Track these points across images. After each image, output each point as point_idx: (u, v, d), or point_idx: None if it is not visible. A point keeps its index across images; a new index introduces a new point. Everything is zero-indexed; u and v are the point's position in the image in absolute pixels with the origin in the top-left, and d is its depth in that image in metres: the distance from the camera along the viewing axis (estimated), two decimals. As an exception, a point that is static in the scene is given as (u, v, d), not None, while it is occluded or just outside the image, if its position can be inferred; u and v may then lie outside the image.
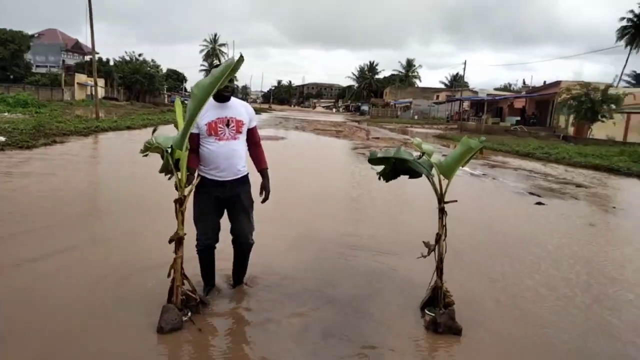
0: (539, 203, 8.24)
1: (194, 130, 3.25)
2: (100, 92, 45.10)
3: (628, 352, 3.18)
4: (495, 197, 9.22)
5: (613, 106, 23.59)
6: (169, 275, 3.12)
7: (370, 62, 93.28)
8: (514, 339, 3.25)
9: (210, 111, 3.27)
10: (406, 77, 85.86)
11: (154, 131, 3.40)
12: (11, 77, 47.74)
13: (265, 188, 3.53)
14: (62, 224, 5.41)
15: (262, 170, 3.58)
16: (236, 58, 2.93)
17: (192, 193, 3.20)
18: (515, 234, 6.06)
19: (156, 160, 3.44)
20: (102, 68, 52.63)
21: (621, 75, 52.61)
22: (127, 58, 61.79)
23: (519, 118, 35.63)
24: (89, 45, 25.64)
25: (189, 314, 3.18)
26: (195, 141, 3.31)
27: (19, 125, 15.59)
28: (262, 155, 3.59)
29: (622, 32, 51.72)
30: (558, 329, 3.44)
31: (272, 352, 2.91)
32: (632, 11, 51.02)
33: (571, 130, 27.91)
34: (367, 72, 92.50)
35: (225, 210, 3.51)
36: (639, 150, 16.67)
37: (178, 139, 3.17)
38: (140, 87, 58.67)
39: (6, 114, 23.08)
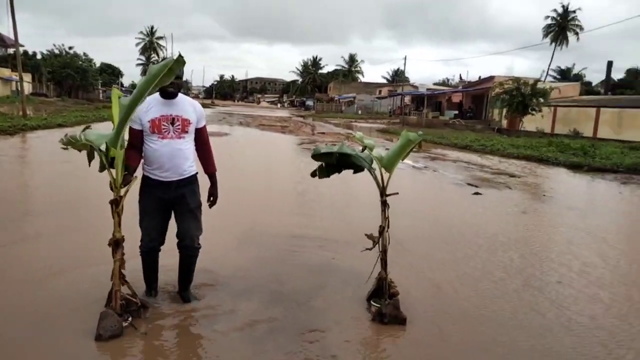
0: (476, 193, 8.64)
1: (136, 126, 3.10)
2: (27, 88, 42.13)
3: (551, 326, 3.42)
4: (435, 189, 9.57)
5: (541, 100, 25.18)
6: (111, 278, 2.98)
7: (313, 56, 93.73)
8: (455, 322, 3.39)
9: (155, 107, 3.10)
10: (349, 72, 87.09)
11: (84, 129, 3.22)
12: None
13: (213, 194, 3.37)
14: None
15: (211, 174, 3.40)
16: (176, 56, 2.82)
17: (127, 193, 3.04)
18: (454, 223, 6.32)
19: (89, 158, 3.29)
20: (28, 62, 49.17)
21: (547, 70, 56.37)
22: (56, 51, 58.13)
23: (457, 112, 37.26)
24: (11, 36, 23.82)
25: (130, 319, 3.05)
26: (137, 138, 3.13)
27: None
28: (210, 157, 3.40)
29: (547, 30, 55.33)
30: (493, 310, 3.63)
31: (220, 352, 2.85)
32: (555, 10, 54.67)
33: (504, 123, 29.53)
34: (310, 67, 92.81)
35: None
36: (565, 141, 17.93)
37: (112, 137, 3.02)
38: (72, 82, 55.35)
39: None
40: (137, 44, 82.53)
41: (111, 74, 73.31)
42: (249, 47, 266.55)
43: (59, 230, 5.16)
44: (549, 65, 57.11)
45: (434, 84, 65.20)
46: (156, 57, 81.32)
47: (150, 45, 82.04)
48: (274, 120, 34.41)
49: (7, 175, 8.75)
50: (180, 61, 2.80)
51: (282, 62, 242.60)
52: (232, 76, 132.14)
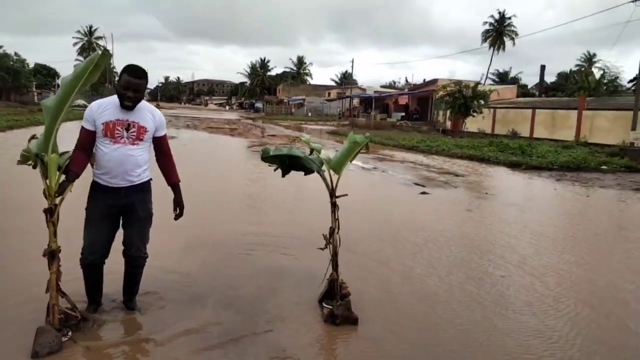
0: (423, 192, 8.91)
1: (88, 126, 2.93)
2: (-49, 90, 38.99)
3: (488, 316, 3.60)
4: (384, 189, 9.77)
5: (482, 102, 26.38)
6: (46, 291, 2.80)
7: (261, 58, 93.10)
8: (405, 320, 3.47)
9: (111, 110, 2.94)
10: (298, 74, 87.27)
11: (31, 139, 3.02)
12: None
13: (179, 204, 3.20)
14: None
15: (173, 184, 3.22)
16: (101, 52, 2.71)
17: (63, 201, 2.87)
18: (403, 222, 6.48)
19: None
20: (-49, 61, 45.61)
21: (487, 73, 59.10)
22: (-17, 51, 54.15)
23: (403, 114, 38.31)
24: None
25: (70, 333, 2.88)
26: (88, 139, 2.95)
27: None
28: (172, 167, 3.23)
29: (486, 35, 58.03)
30: (442, 305, 3.75)
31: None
32: (492, 16, 57.46)
33: (449, 124, 30.71)
34: (259, 69, 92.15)
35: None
36: (504, 141, 18.87)
37: (41, 141, 2.86)
38: (3, 84, 51.84)
39: None
40: (75, 44, 78.47)
41: (47, 74, 69.31)
42: (194, 48, 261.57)
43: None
44: (488, 69, 59.96)
45: (381, 86, 66.68)
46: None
47: (89, 46, 78.17)
48: (223, 123, 33.87)
49: None
50: (106, 55, 2.70)
51: (229, 64, 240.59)
52: (178, 78, 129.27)
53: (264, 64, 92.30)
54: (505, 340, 3.24)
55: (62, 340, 2.78)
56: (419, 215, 7.09)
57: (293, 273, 4.30)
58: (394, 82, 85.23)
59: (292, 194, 8.04)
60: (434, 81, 34.97)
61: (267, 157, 3.76)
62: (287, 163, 3.75)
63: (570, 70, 57.08)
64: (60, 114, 2.73)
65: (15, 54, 55.77)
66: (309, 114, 58.57)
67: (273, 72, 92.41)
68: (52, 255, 2.82)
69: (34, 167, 3.01)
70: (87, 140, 2.97)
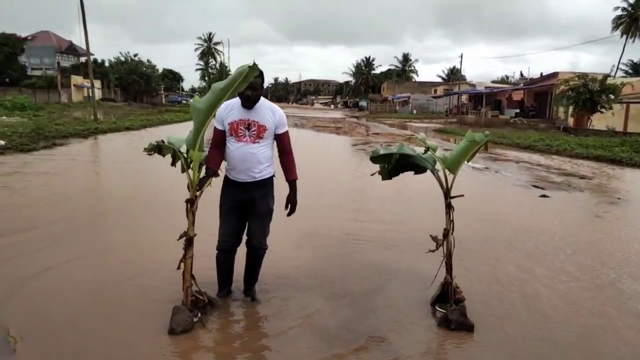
0: (543, 195, 8.23)
1: (219, 126, 3.24)
2: (97, 94, 44.92)
3: (618, 331, 3.20)
4: (498, 190, 9.20)
5: (612, 96, 23.56)
6: (178, 267, 3.10)
7: (366, 57, 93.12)
8: (524, 329, 3.24)
9: (235, 111, 3.20)
10: (403, 71, 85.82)
11: (159, 143, 3.40)
12: (7, 80, 47.57)
13: (291, 201, 3.33)
14: (74, 222, 5.38)
15: (290, 181, 3.35)
16: (249, 66, 2.92)
17: (203, 194, 3.15)
18: (520, 227, 6.05)
19: (160, 158, 3.47)
20: (97, 69, 52.37)
21: (618, 65, 52.67)
22: (123, 59, 61.53)
23: (518, 110, 35.65)
24: (83, 46, 25.49)
25: (199, 315, 3.16)
26: (219, 138, 3.25)
27: (18, 129, 15.54)
28: (291, 165, 3.36)
29: (617, 22, 51.72)
30: (564, 315, 3.44)
31: (283, 349, 2.89)
32: (626, 0, 50.96)
33: (571, 121, 27.91)
34: (363, 68, 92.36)
35: None
36: (640, 140, 16.66)
37: (191, 139, 3.16)
38: (137, 87, 58.48)
39: (4, 117, 23.00)
40: (196, 49, 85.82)
41: (172, 79, 76.80)
42: (302, 49, 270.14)
43: (132, 228, 5.45)
44: (620, 60, 53.44)
45: (492, 81, 62.89)
46: (214, 62, 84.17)
47: (208, 51, 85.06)
48: (328, 122, 34.56)
49: (85, 175, 9.36)
50: (254, 68, 2.89)
51: (335, 64, 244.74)
52: (286, 79, 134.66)
53: (368, 63, 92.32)
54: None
55: (193, 320, 3.06)
56: (537, 219, 6.57)
57: (401, 272, 4.26)
58: (507, 77, 79.87)
59: (400, 194, 7.94)
60: (554, 75, 32.03)
61: (376, 157, 3.75)
62: (398, 162, 3.69)
63: None
64: (209, 117, 3.02)
65: (148, 60, 62.67)
66: (414, 111, 57.32)
67: (377, 71, 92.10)
68: (189, 241, 3.11)
69: (152, 154, 3.45)
70: (219, 139, 3.26)
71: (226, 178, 3.34)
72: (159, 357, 2.75)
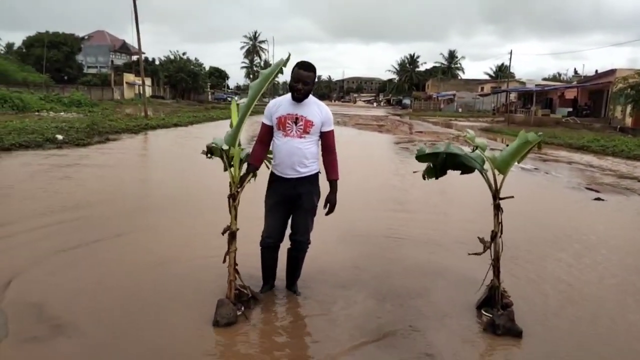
0: (597, 199, 7.83)
1: (267, 121, 3.27)
2: (148, 91, 46.67)
3: None
4: (549, 192, 8.83)
5: (676, 95, 22.10)
6: (223, 261, 3.17)
7: (410, 54, 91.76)
8: (575, 342, 3.09)
9: (284, 106, 3.24)
10: (449, 69, 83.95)
11: (208, 148, 3.46)
12: (65, 78, 50.26)
13: (330, 201, 3.32)
14: (123, 214, 5.61)
15: (331, 181, 3.34)
16: (285, 58, 3.01)
17: (244, 189, 3.22)
18: (572, 230, 5.78)
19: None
20: (148, 67, 54.39)
21: (684, 61, 49.19)
22: (172, 57, 63.65)
23: (570, 109, 34.06)
24: (136, 45, 26.55)
25: (242, 308, 3.21)
26: (267, 133, 3.29)
27: (75, 124, 16.36)
28: (334, 164, 3.35)
29: (686, 15, 48.24)
30: (615, 329, 3.24)
31: (323, 345, 2.89)
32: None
33: (629, 121, 26.36)
34: (408, 65, 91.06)
35: None
36: None
37: (231, 136, 3.22)
38: (185, 85, 60.34)
39: (62, 113, 24.34)
40: (242, 48, 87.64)
41: (218, 76, 78.63)
42: (345, 47, 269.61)
43: (179, 221, 5.63)
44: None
45: (544, 79, 60.38)
46: (259, 60, 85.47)
47: (253, 49, 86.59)
48: (370, 119, 34.34)
49: (133, 170, 9.75)
50: (288, 58, 2.99)
51: (378, 61, 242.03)
52: (329, 76, 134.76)
53: (413, 60, 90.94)
54: None
55: (237, 313, 3.12)
56: (591, 223, 6.24)
57: (446, 273, 4.16)
58: (559, 75, 76.62)
59: (445, 193, 7.77)
60: (611, 72, 30.31)
61: (422, 156, 3.67)
62: (444, 162, 3.61)
63: None
64: (248, 112, 3.10)
65: (195, 59, 64.58)
66: (459, 109, 55.98)
67: (422, 68, 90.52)
68: (232, 235, 3.18)
69: (210, 157, 3.49)
70: (265, 135, 3.31)
71: (272, 174, 3.36)
72: (202, 348, 2.82)
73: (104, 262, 4.13)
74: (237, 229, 3.20)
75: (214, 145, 3.44)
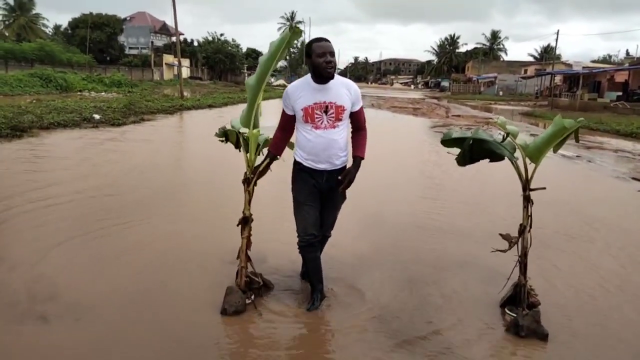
0: (643, 190, 7.31)
1: (288, 111, 2.93)
2: (186, 72, 47.33)
3: None
4: (590, 182, 8.33)
5: None
6: (237, 257, 3.10)
7: (450, 35, 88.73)
8: (604, 340, 2.84)
9: (307, 93, 2.84)
10: (490, 50, 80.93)
11: (224, 130, 3.32)
12: (107, 58, 51.71)
13: (349, 175, 2.91)
14: (146, 196, 5.66)
15: (356, 157, 2.97)
16: (292, 31, 2.79)
17: (261, 175, 3.09)
18: (613, 225, 5.38)
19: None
20: (186, 49, 55.16)
21: None
22: (210, 38, 64.23)
23: (620, 93, 32.13)
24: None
25: (253, 297, 3.13)
26: (288, 122, 2.98)
27: (112, 104, 16.77)
28: (363, 142, 3.01)
29: None
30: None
31: (335, 340, 2.78)
32: None
33: (685, 106, 24.64)
34: (447, 46, 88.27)
35: None
36: None
37: (245, 116, 3.10)
38: (222, 66, 60.89)
39: (103, 93, 25.06)
40: (279, 29, 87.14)
41: (255, 58, 78.56)
42: (383, 27, 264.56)
43: (200, 206, 5.62)
44: None
45: (592, 61, 57.29)
46: (295, 41, 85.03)
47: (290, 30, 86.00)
48: (406, 102, 33.61)
49: (164, 152, 9.87)
50: (297, 32, 2.73)
51: (416, 43, 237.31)
52: (366, 58, 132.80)
53: (453, 41, 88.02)
54: None
55: (246, 302, 3.04)
56: (635, 217, 5.82)
57: (472, 267, 3.94)
58: (610, 56, 72.48)
59: (478, 182, 7.44)
60: (669, 53, 28.28)
61: (447, 141, 3.42)
62: (472, 148, 3.35)
63: None
64: (260, 92, 2.91)
65: (233, 40, 64.99)
66: (500, 92, 54.00)
67: (462, 49, 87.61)
68: (245, 221, 3.09)
69: (225, 142, 3.34)
70: (287, 124, 3.00)
71: (299, 164, 3.00)
72: (207, 336, 2.76)
73: (119, 246, 4.15)
74: (250, 215, 3.10)
75: (231, 128, 3.32)
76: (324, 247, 3.35)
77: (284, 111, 2.97)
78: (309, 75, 2.88)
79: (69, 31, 54.57)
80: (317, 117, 2.84)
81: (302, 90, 2.86)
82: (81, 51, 47.61)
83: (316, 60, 2.74)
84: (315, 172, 2.96)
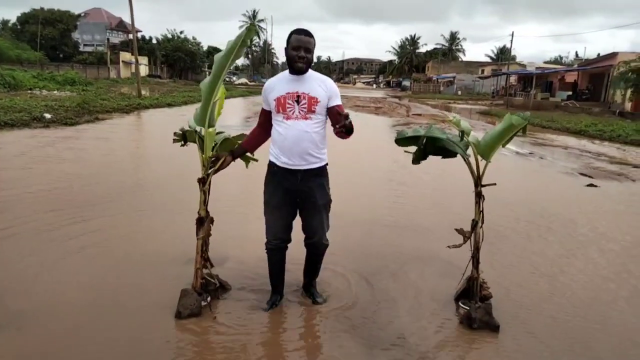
0: (590, 185, 7.67)
1: (265, 106, 2.91)
2: (144, 70, 46.09)
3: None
4: (540, 178, 8.66)
5: (678, 79, 21.78)
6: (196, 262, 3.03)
7: (411, 35, 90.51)
8: (555, 338, 2.96)
9: (281, 84, 2.80)
10: (449, 50, 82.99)
11: (183, 131, 3.24)
12: (60, 55, 49.62)
13: (347, 117, 2.62)
14: (99, 196, 5.46)
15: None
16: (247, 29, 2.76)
17: (216, 173, 3.03)
18: (559, 218, 5.63)
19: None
20: (144, 46, 53.67)
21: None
22: (169, 36, 62.72)
23: (570, 93, 33.72)
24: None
25: (209, 299, 3.07)
26: (265, 118, 2.93)
27: (65, 103, 16.09)
28: (347, 137, 2.76)
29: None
30: (602, 323, 3.11)
31: (291, 341, 2.76)
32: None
33: (629, 106, 26.07)
34: (408, 47, 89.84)
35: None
36: None
37: (198, 115, 3.02)
38: (182, 64, 59.64)
39: (55, 92, 23.98)
40: (240, 27, 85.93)
41: (216, 56, 77.62)
42: (346, 27, 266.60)
43: (158, 206, 5.47)
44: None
45: (545, 62, 59.72)
46: (257, 39, 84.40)
47: (252, 28, 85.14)
48: (369, 101, 33.95)
49: (119, 151, 9.56)
50: (251, 30, 2.74)
51: (379, 42, 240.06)
52: (329, 57, 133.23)
53: (413, 41, 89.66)
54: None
55: (201, 304, 2.97)
56: (582, 211, 6.10)
57: (432, 262, 4.03)
58: (561, 58, 75.82)
59: (436, 179, 7.60)
60: (613, 55, 29.83)
61: (402, 140, 3.46)
62: (425, 146, 3.40)
63: None
64: (214, 89, 2.83)
65: (193, 38, 63.69)
66: (459, 92, 55.45)
67: (422, 49, 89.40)
68: (200, 221, 3.02)
69: (184, 144, 3.25)
70: (264, 120, 2.96)
71: (272, 165, 2.89)
72: (161, 340, 2.68)
73: (69, 248, 3.98)
74: (206, 215, 3.04)
75: (189, 128, 3.22)
76: (324, 253, 3.14)
77: (262, 109, 2.96)
78: (287, 71, 2.86)
79: (18, 27, 51.97)
80: (288, 107, 2.77)
81: (278, 83, 2.85)
82: (32, 48, 45.44)
83: (290, 52, 2.74)
84: (289, 174, 2.84)
